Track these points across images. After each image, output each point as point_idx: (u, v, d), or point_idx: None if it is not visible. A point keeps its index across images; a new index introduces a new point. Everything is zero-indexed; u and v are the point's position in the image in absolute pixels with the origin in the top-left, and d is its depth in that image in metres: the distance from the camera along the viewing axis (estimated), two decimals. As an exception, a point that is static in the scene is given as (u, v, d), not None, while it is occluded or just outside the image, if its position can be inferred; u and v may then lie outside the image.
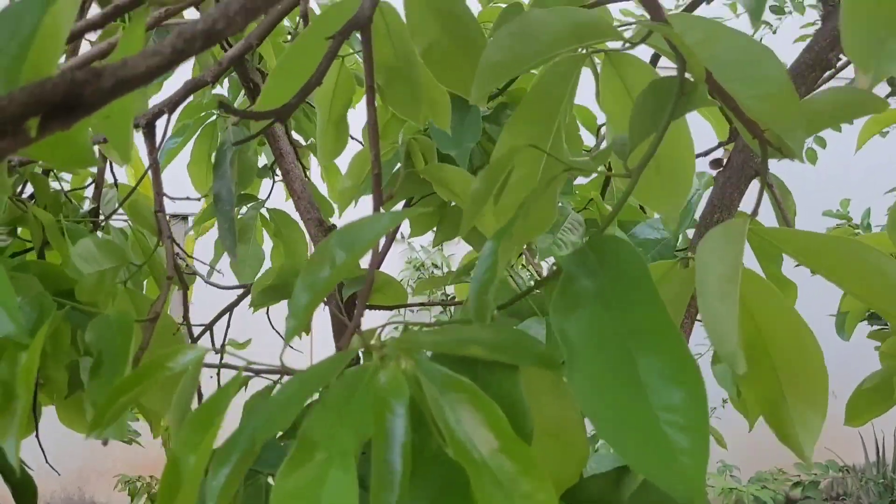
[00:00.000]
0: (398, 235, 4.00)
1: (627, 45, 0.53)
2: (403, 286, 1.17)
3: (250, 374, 0.50)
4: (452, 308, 1.97)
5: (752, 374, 0.50)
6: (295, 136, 1.54)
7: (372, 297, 0.86)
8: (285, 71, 0.70)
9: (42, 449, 1.10)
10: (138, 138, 0.92)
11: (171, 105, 0.92)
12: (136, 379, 0.51)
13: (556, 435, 0.48)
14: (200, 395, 0.97)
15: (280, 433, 0.59)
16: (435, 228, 1.20)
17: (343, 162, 1.11)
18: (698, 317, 0.82)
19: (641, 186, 0.50)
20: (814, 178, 3.12)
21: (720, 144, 1.24)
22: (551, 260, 1.12)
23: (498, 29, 0.81)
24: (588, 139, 1.33)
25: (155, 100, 1.01)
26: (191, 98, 1.19)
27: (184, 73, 1.52)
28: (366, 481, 0.35)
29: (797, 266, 0.53)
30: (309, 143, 1.60)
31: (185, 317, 1.00)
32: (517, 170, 0.59)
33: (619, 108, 0.63)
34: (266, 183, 1.58)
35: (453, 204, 1.13)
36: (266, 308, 1.23)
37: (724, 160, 0.99)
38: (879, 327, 1.74)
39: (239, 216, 1.37)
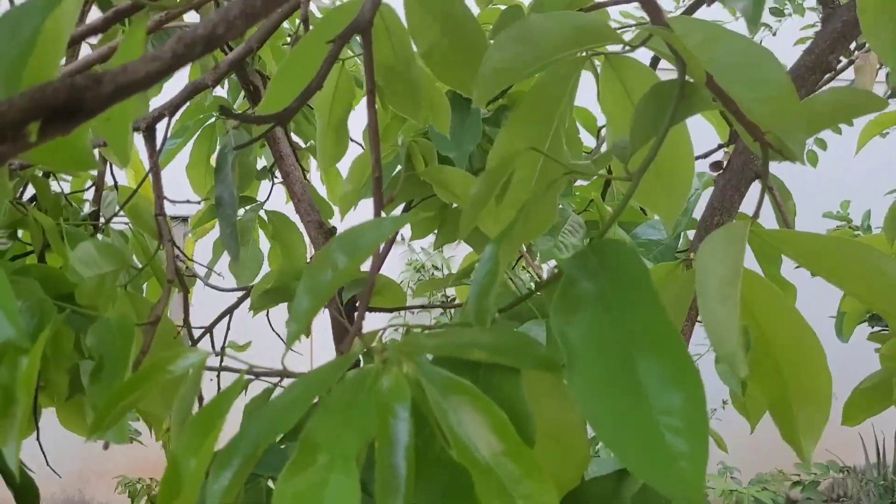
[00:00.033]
0: (398, 237, 4.00)
1: (627, 48, 0.53)
2: (404, 288, 1.17)
3: (251, 377, 0.50)
4: (452, 310, 1.97)
5: (757, 373, 0.51)
6: (294, 138, 1.54)
7: (371, 299, 0.86)
8: (288, 75, 0.71)
9: (43, 452, 1.10)
10: (138, 141, 0.92)
11: (171, 108, 0.92)
12: (137, 382, 0.51)
13: (557, 438, 0.48)
14: (201, 399, 0.97)
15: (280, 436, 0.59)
16: (436, 231, 1.20)
17: (342, 165, 1.11)
18: (699, 318, 0.82)
19: (641, 188, 0.50)
20: (814, 180, 3.13)
21: (720, 146, 1.24)
22: (551, 261, 1.12)
23: (498, 31, 0.82)
24: (588, 141, 1.34)
25: (155, 102, 1.01)
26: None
27: (184, 74, 1.52)
28: (368, 487, 0.35)
29: (797, 268, 0.53)
30: (309, 145, 1.60)
31: (186, 320, 1.00)
32: (516, 171, 0.59)
33: (619, 111, 0.63)
34: (265, 185, 1.59)
35: (454, 206, 1.13)
36: (266, 311, 1.23)
37: (725, 162, 0.99)
38: (880, 329, 1.74)
39: (238, 218, 1.37)
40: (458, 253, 4.43)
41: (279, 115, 0.55)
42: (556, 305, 0.42)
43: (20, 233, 1.12)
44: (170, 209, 1.01)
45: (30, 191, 1.15)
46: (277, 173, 1.51)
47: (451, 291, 3.54)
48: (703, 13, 1.08)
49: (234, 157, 1.23)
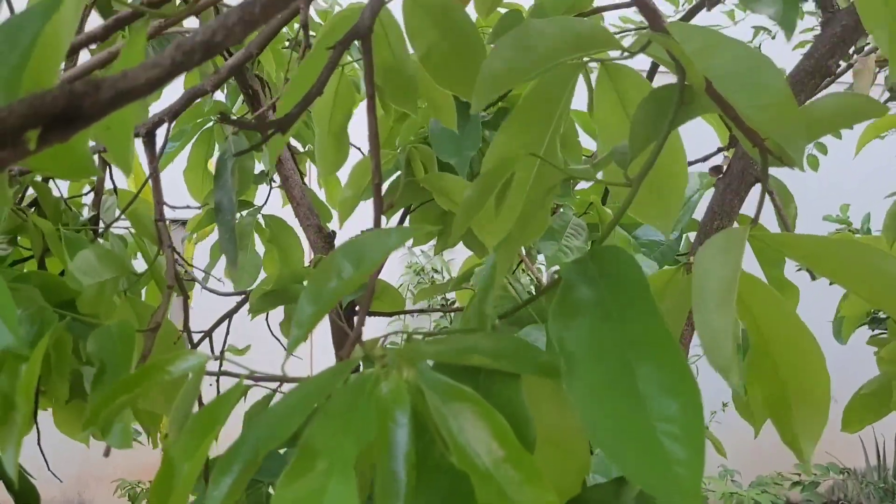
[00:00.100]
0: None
1: (626, 54, 0.53)
2: (403, 291, 1.17)
3: (250, 382, 0.50)
4: (452, 313, 1.97)
5: (756, 376, 0.51)
6: (293, 142, 1.54)
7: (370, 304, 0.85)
8: (299, 87, 0.71)
9: (44, 456, 1.10)
10: (137, 145, 0.92)
11: (171, 114, 0.92)
12: (135, 381, 0.50)
13: (558, 443, 0.48)
14: (201, 403, 0.97)
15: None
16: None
17: (342, 171, 1.11)
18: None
19: (634, 200, 0.50)
20: (814, 184, 3.13)
21: (720, 150, 1.24)
22: (550, 266, 1.12)
23: (497, 35, 0.82)
24: (588, 143, 1.33)
25: (155, 108, 1.01)
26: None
27: (182, 79, 1.52)
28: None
29: (798, 270, 0.53)
30: (307, 149, 1.60)
31: (186, 325, 1.00)
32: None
33: (613, 120, 0.63)
34: (262, 188, 1.59)
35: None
36: (266, 315, 1.23)
37: (724, 167, 0.99)
38: (879, 332, 1.74)
39: (235, 222, 1.38)
40: (458, 256, 4.43)
41: (279, 121, 0.55)
42: (555, 311, 0.42)
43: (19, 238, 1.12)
44: (169, 212, 1.01)
45: (29, 194, 1.15)
46: (275, 177, 1.51)
47: (450, 294, 3.54)
48: (701, 17, 1.08)
49: (233, 162, 1.23)
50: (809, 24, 2.50)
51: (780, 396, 0.50)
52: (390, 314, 1.17)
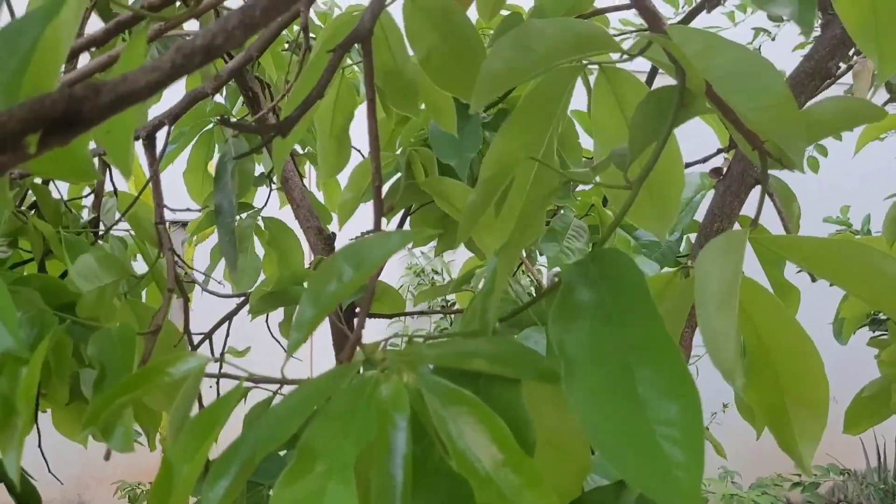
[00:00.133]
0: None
1: (626, 56, 0.53)
2: (403, 292, 1.17)
3: (250, 384, 0.50)
4: (453, 315, 1.97)
5: (755, 381, 0.51)
6: (294, 144, 1.54)
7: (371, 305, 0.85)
8: (302, 91, 0.71)
9: (45, 458, 1.10)
10: (138, 148, 0.92)
11: (171, 117, 0.92)
12: (136, 382, 0.50)
13: (558, 446, 0.48)
14: (201, 405, 0.97)
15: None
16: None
17: (341, 173, 1.11)
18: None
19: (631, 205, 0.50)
20: (815, 185, 3.13)
21: (719, 151, 1.24)
22: (550, 264, 1.12)
23: (498, 37, 0.82)
24: (589, 143, 1.33)
25: (155, 110, 1.01)
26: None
27: (182, 82, 1.52)
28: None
29: (799, 272, 0.53)
30: (306, 151, 1.60)
31: (186, 327, 1.00)
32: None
33: (610, 124, 0.63)
34: (261, 190, 1.59)
35: (454, 214, 1.13)
36: (265, 317, 1.23)
37: (724, 168, 0.99)
38: (880, 333, 1.75)
39: (235, 225, 1.38)
40: (459, 257, 4.42)
41: (279, 124, 0.55)
42: (555, 314, 0.42)
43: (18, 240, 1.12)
44: (169, 214, 1.01)
45: (28, 198, 1.15)
46: (274, 179, 1.51)
47: (451, 296, 3.54)
48: (701, 18, 1.08)
49: (233, 165, 1.23)
50: (809, 25, 2.50)
51: (778, 404, 0.50)
52: (390, 316, 1.17)
